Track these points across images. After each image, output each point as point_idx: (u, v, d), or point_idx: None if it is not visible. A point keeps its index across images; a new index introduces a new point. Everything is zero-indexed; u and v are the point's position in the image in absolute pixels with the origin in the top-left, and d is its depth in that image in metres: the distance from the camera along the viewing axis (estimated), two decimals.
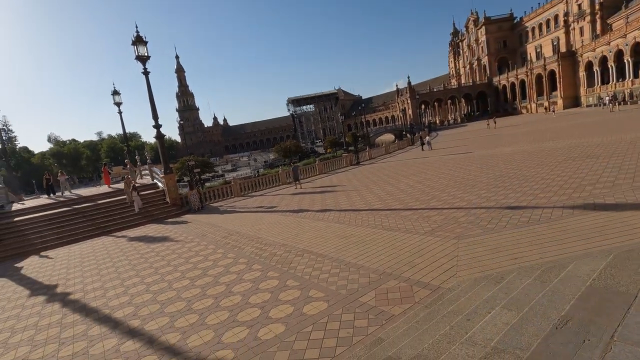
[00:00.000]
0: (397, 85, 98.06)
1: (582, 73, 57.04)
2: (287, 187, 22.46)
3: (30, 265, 12.31)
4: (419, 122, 74.24)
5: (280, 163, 56.94)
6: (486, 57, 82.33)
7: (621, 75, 48.98)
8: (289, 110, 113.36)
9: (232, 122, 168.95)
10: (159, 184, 21.22)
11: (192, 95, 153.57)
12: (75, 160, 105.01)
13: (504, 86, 74.67)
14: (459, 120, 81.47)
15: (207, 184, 32.62)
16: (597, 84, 53.72)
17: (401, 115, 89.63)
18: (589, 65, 55.32)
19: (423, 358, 2.90)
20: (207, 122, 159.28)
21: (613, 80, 50.08)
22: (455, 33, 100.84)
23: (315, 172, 27.51)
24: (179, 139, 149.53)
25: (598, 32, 56.51)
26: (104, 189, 23.76)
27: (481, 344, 2.66)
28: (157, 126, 18.62)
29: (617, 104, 40.24)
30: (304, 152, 67.87)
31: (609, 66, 50.54)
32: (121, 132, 30.07)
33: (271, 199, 18.76)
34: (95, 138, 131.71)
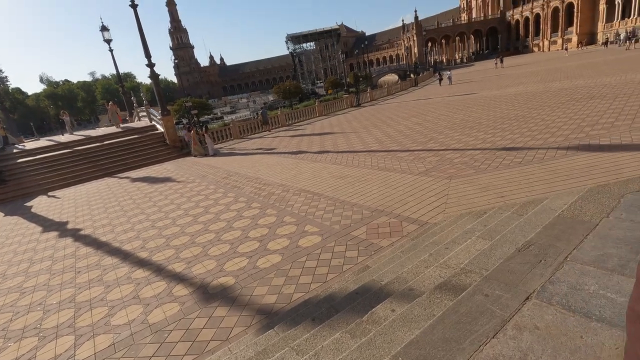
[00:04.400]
0: (403, 21, 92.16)
1: (602, 6, 53.10)
2: (286, 130, 22.35)
3: (40, 204, 12.82)
4: (425, 61, 71.04)
5: (280, 105, 55.82)
6: None
7: None
8: (288, 48, 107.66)
9: (229, 62, 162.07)
10: (158, 126, 21.12)
11: (185, 31, 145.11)
12: (71, 101, 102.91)
13: (517, 21, 70.06)
14: (466, 59, 77.81)
15: (211, 126, 32.43)
16: (617, 18, 50.27)
17: (406, 54, 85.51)
18: None
19: (401, 280, 3.23)
20: (204, 62, 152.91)
21: (635, 14, 46.76)
22: None
23: (315, 114, 27.14)
24: (175, 80, 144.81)
25: None
26: (111, 129, 23.26)
27: (453, 267, 2.95)
28: (151, 65, 18.01)
29: (635, 41, 38.10)
30: (304, 93, 66.09)
31: None
32: (115, 72, 29.06)
33: (270, 141, 18.80)
34: (88, 79, 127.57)
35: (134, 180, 14.25)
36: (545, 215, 3.23)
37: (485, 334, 1.94)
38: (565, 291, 2.06)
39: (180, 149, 19.03)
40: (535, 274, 2.26)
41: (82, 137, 20.37)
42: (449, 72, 36.34)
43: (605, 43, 48.26)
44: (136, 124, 25.71)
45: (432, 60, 77.60)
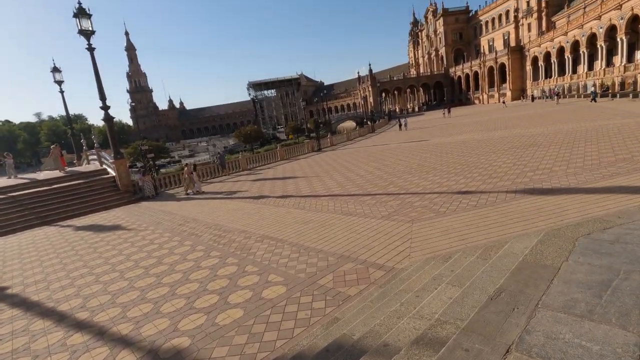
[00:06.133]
0: (358, 73, 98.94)
1: (528, 67, 61.02)
2: (247, 174, 22.09)
3: None
4: (380, 110, 75.73)
5: (241, 149, 55.70)
6: (444, 48, 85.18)
7: (562, 70, 52.99)
8: (249, 94, 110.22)
9: (190, 106, 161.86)
10: (109, 170, 19.95)
11: (144, 75, 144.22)
12: (11, 143, 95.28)
13: (459, 77, 78.05)
14: (417, 109, 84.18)
15: (163, 170, 31.22)
16: (542, 78, 57.79)
17: (362, 102, 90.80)
18: (535, 60, 59.25)
19: (375, 333, 3.06)
20: (163, 106, 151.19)
21: (555, 75, 54.10)
22: (415, 23, 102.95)
23: (276, 158, 27.28)
24: (131, 123, 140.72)
25: (544, 29, 60.43)
26: (54, 173, 21.77)
27: (427, 317, 2.85)
28: (105, 107, 17.37)
29: (560, 97, 43.81)
30: (265, 137, 66.80)
31: (552, 61, 54.43)
32: (64, 113, 27.65)
33: (231, 185, 18.38)
34: (33, 120, 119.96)
35: (78, 229, 13.02)
36: (509, 259, 3.31)
37: None
38: (543, 341, 2.04)
39: (133, 194, 17.95)
40: (511, 324, 2.23)
41: (21, 182, 18.60)
42: (405, 120, 41.88)
43: (533, 98, 55.10)
44: (84, 167, 24.16)
45: (387, 109, 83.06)
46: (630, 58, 39.94)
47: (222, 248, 7.96)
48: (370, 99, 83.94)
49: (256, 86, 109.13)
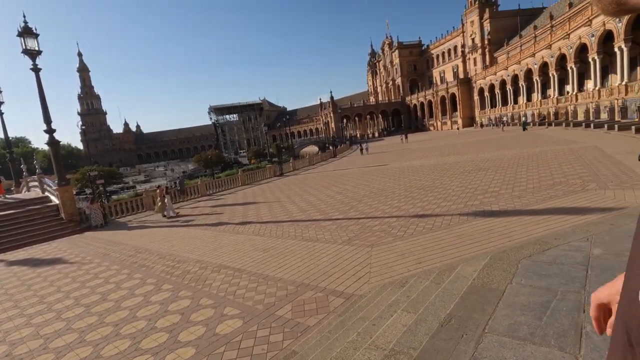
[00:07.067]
0: (320, 99, 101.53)
1: (476, 97, 66.10)
2: (207, 200, 21.40)
3: None
4: (341, 135, 77.73)
5: (201, 174, 54.13)
6: (400, 78, 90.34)
7: (505, 100, 57.95)
8: (211, 119, 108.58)
9: (149, 130, 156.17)
10: (52, 198, 18.42)
11: (98, 97, 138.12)
12: None
13: (415, 105, 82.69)
14: (377, 134, 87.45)
15: (114, 197, 29.46)
16: (488, 107, 62.75)
17: (324, 128, 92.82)
18: (481, 91, 64.40)
19: None
20: (118, 129, 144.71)
21: (499, 105, 58.99)
22: (373, 54, 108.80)
23: (237, 183, 26.77)
24: (81, 146, 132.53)
25: (487, 63, 66.28)
26: None
27: (382, 347, 2.82)
28: (50, 131, 16.26)
29: (505, 124, 47.70)
30: (226, 162, 65.54)
31: (496, 93, 59.46)
32: (4, 136, 25.52)
33: (189, 211, 17.65)
34: None
35: (11, 264, 11.72)
36: (460, 283, 3.41)
37: None
38: None
39: (79, 224, 16.63)
40: (460, 351, 2.26)
41: None
42: (366, 144, 44.32)
43: (482, 125, 59.58)
44: (23, 195, 22.15)
45: (348, 134, 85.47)
46: (561, 91, 44.65)
47: (175, 280, 7.50)
48: (332, 125, 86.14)
49: (218, 110, 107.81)
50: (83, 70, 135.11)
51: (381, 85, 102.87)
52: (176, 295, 6.66)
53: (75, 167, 79.11)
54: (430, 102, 76.87)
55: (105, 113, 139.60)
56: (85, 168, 42.91)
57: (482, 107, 64.89)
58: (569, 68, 40.39)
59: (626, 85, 30.32)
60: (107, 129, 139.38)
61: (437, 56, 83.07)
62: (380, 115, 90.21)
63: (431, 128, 77.26)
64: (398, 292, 4.39)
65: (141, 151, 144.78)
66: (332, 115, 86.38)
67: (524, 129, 39.06)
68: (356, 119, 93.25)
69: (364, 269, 6.47)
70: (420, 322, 2.93)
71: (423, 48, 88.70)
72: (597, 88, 35.00)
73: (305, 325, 4.81)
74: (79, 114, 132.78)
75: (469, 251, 6.18)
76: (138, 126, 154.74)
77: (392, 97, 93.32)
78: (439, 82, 78.08)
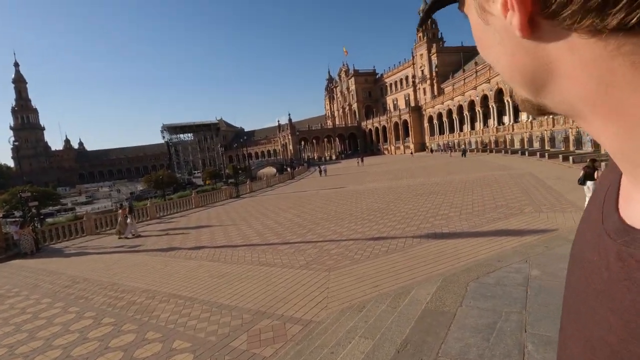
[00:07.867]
0: (278, 121, 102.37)
1: (426, 124, 70.50)
2: (157, 223, 20.22)
3: None
4: (299, 157, 78.34)
5: (151, 195, 51.19)
6: (356, 104, 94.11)
7: (452, 128, 62.39)
8: (164, 137, 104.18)
9: (94, 147, 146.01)
10: None
11: (35, 111, 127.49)
12: None
13: (370, 130, 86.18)
14: (335, 157, 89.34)
15: (50, 220, 26.88)
16: (437, 134, 67.08)
17: (282, 149, 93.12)
18: (430, 119, 68.91)
19: None
20: (58, 146, 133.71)
21: (447, 132, 63.34)
22: (330, 80, 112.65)
23: (191, 205, 25.68)
24: (12, 164, 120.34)
25: (435, 93, 71.44)
26: None
27: None
28: None
29: (452, 150, 51.28)
30: (179, 183, 62.76)
31: (444, 121, 63.92)
32: None
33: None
34: None
35: None
36: (414, 307, 3.52)
37: None
38: None
39: (6, 250, 14.84)
40: None
41: None
42: (324, 167, 45.86)
43: (432, 150, 63.46)
44: None
45: (306, 156, 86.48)
46: (500, 121, 49.10)
47: (118, 313, 6.89)
48: (290, 147, 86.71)
49: (172, 129, 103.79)
50: (19, 82, 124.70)
51: (338, 110, 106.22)
52: (119, 329, 6.10)
53: (4, 187, 71.21)
54: (384, 128, 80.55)
55: (43, 128, 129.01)
56: (16, 188, 38.80)
57: (432, 133, 69.24)
58: (506, 101, 44.80)
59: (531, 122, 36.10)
60: (44, 145, 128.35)
61: (391, 85, 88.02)
62: (337, 139, 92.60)
63: (385, 152, 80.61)
64: (356, 317, 4.40)
65: (84, 170, 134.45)
66: (290, 137, 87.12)
67: (464, 155, 43.01)
68: (314, 141, 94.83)
69: (322, 293, 6.42)
70: (377, 348, 2.96)
71: (377, 76, 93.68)
72: (511, 123, 40.66)
73: (262, 356, 4.62)
74: (11, 128, 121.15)
75: (422, 273, 6.40)
76: (81, 143, 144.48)
77: (349, 122, 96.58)
78: (392, 109, 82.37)
